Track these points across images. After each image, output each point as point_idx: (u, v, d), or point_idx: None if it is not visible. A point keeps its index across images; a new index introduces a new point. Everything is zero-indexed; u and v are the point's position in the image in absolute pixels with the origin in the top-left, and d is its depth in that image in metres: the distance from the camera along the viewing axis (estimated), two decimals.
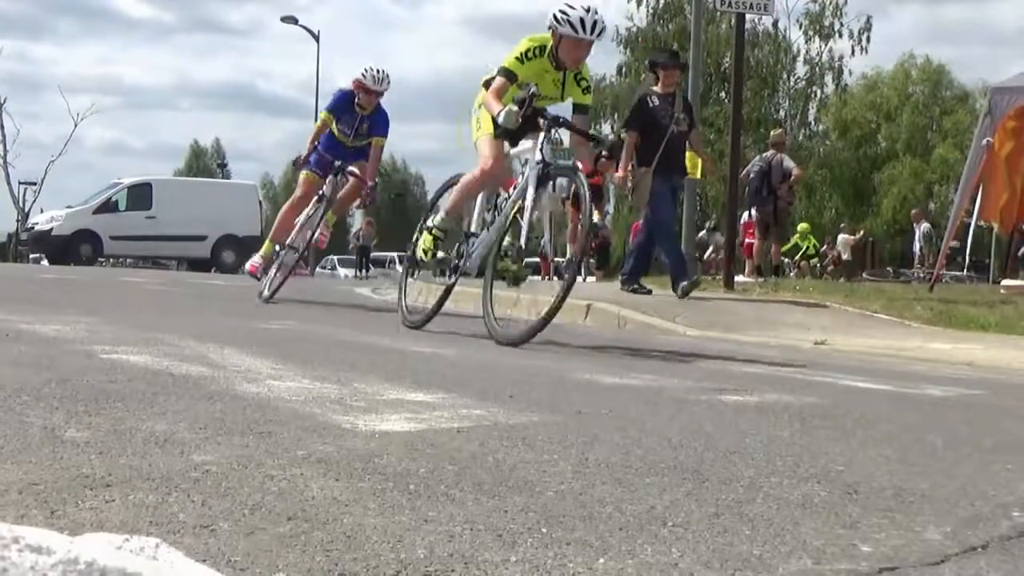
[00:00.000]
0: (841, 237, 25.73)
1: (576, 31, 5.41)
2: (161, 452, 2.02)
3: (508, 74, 5.58)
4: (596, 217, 15.93)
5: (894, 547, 1.60)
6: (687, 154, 9.53)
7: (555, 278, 6.28)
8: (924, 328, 7.54)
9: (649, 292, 8.99)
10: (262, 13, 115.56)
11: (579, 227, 5.19)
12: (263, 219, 28.53)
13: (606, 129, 39.66)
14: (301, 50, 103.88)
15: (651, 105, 8.92)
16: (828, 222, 37.29)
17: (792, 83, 39.69)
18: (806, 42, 38.32)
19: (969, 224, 16.92)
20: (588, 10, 5.40)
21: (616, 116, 39.68)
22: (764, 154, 13.42)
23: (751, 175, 13.13)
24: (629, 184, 8.95)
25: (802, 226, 23.40)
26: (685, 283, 8.65)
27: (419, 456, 2.10)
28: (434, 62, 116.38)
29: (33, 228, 27.49)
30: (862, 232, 27.43)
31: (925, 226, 20.26)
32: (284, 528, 1.53)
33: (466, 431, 2.43)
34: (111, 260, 27.17)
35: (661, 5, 38.50)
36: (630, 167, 8.89)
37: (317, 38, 35.59)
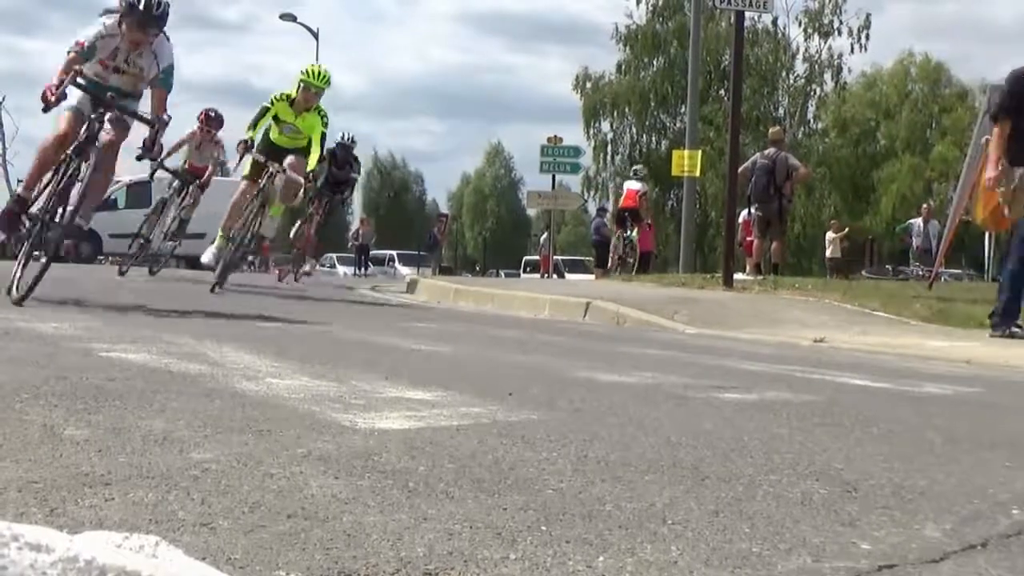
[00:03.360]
0: (828, 235, 25.67)
1: None
2: (160, 450, 2.02)
3: None
4: (634, 232, 16.78)
5: (893, 545, 1.60)
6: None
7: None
8: (922, 326, 7.54)
9: None
10: (255, 9, 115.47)
11: None
12: None
13: (605, 127, 39.52)
14: (295, 46, 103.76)
15: None
16: (827, 220, 37.28)
17: (791, 81, 39.58)
18: (805, 40, 38.19)
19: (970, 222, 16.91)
20: None
21: (615, 113, 39.56)
22: (765, 151, 13.29)
23: (753, 172, 13.00)
24: (1001, 188, 6.63)
25: None
26: None
27: (418, 454, 2.10)
28: (430, 58, 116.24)
29: None
30: (847, 229, 27.37)
31: (935, 224, 20.19)
32: (284, 526, 1.53)
33: (465, 429, 2.43)
34: (110, 258, 27.16)
35: (661, 3, 38.40)
36: (1002, 165, 6.62)
37: (316, 36, 35.50)
